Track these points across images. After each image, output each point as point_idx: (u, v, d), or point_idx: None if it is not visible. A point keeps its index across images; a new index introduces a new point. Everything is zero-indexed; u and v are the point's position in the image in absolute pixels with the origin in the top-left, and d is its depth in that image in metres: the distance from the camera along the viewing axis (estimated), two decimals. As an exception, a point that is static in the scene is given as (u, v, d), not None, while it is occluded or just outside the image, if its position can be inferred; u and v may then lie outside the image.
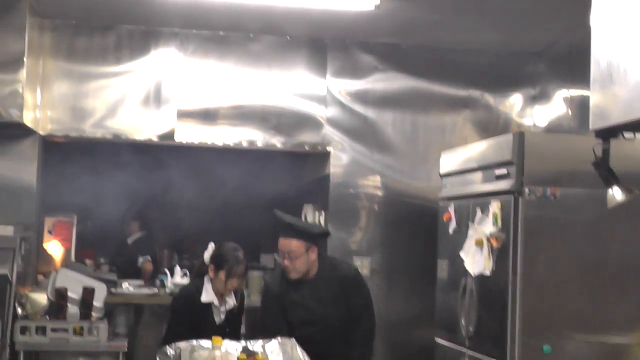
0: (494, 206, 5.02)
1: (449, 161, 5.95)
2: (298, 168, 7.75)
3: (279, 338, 4.47)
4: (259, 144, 6.57)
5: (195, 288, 5.09)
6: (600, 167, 4.12)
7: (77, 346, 5.75)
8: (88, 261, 7.64)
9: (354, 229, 6.64)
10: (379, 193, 6.68)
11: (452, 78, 6.86)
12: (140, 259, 7.94)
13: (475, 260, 5.20)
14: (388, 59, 6.77)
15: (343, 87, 6.71)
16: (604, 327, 4.86)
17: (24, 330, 5.67)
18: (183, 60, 6.49)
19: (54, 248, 7.58)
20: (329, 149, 6.64)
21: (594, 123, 3.96)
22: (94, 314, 5.81)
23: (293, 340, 4.49)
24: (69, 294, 5.76)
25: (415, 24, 6.22)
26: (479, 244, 5.14)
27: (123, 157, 7.14)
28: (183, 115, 6.46)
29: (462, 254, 5.36)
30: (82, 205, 7.77)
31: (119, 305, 6.33)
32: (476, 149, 5.56)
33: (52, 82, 6.30)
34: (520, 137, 4.93)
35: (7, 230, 5.70)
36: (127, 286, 6.56)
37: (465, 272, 5.32)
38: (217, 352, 3.37)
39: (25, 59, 5.72)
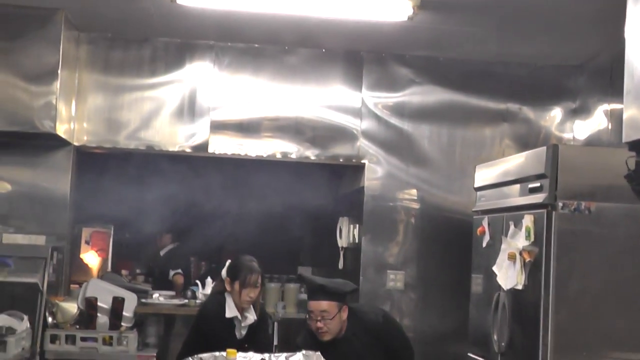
0: (527, 220, 4.91)
1: (484, 174, 5.86)
2: (335, 181, 7.70)
3: (303, 351, 4.41)
4: (293, 156, 6.54)
5: (218, 303, 5.07)
6: (633, 180, 4.02)
7: (106, 356, 5.76)
8: (124, 272, 7.68)
9: (388, 242, 6.56)
10: (415, 206, 6.60)
11: (490, 91, 6.77)
12: (172, 272, 7.95)
13: (508, 275, 5.10)
14: (424, 71, 6.70)
15: (379, 99, 6.66)
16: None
17: (54, 339, 5.70)
18: (218, 72, 6.49)
19: (91, 258, 7.65)
20: (363, 161, 6.59)
21: (627, 135, 3.87)
22: (124, 324, 5.82)
23: (318, 353, 4.42)
24: (99, 303, 5.78)
25: (452, 37, 6.15)
26: (512, 258, 5.04)
27: (158, 168, 7.14)
28: (217, 127, 6.46)
29: (495, 268, 5.26)
30: (119, 217, 7.81)
31: (149, 316, 6.33)
32: (510, 162, 5.46)
33: (87, 94, 6.34)
34: (555, 149, 4.83)
35: (40, 240, 5.73)
36: (157, 296, 6.55)
37: (498, 286, 5.22)
38: (232, 363, 3.31)
39: (59, 72, 5.76)
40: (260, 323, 5.25)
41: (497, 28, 5.90)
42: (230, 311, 5.05)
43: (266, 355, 4.33)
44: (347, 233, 6.97)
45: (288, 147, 6.54)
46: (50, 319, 5.76)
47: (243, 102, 6.51)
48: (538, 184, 4.92)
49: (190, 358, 4.24)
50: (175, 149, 6.43)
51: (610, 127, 6.63)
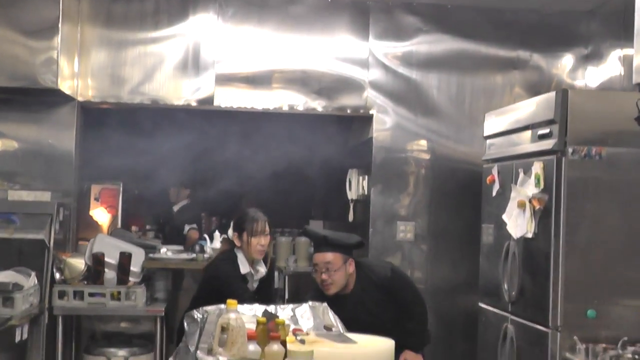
0: (537, 167, 4.83)
1: (493, 122, 5.77)
2: (343, 133, 7.62)
3: (309, 302, 4.36)
4: (300, 108, 6.45)
5: (230, 261, 5.02)
6: (643, 122, 3.94)
7: (115, 311, 5.77)
8: (134, 227, 7.66)
9: (398, 193, 6.49)
10: (424, 157, 6.52)
11: (499, 38, 6.63)
12: (187, 227, 7.91)
13: (518, 223, 5.03)
14: (433, 20, 6.57)
15: (386, 49, 6.54)
16: (651, 291, 4.67)
17: (61, 295, 5.69)
18: (222, 24, 6.39)
19: (100, 215, 7.62)
20: (371, 112, 6.50)
21: (638, 77, 3.78)
22: (132, 279, 5.80)
23: (325, 304, 4.37)
24: (107, 259, 5.76)
25: (460, -18, 6.02)
26: (521, 206, 4.97)
27: (165, 123, 7.08)
28: (222, 79, 6.37)
29: (505, 217, 5.19)
30: (127, 173, 7.77)
31: (158, 271, 6.31)
32: (520, 109, 5.36)
33: (90, 49, 6.25)
34: (564, 94, 4.74)
35: (45, 196, 5.71)
36: (165, 251, 6.51)
37: (509, 235, 5.16)
38: (232, 315, 3.25)
39: (60, 26, 5.65)
40: (268, 275, 5.21)
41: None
42: (244, 267, 5.02)
43: (272, 306, 4.28)
44: (356, 185, 6.90)
45: (295, 99, 6.45)
46: (57, 275, 5.74)
47: (248, 54, 6.41)
48: (547, 130, 4.83)
49: (195, 311, 4.19)
50: (181, 102, 6.35)
51: (623, 73, 6.51)
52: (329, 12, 6.50)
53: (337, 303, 4.60)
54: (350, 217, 7.11)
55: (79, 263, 5.78)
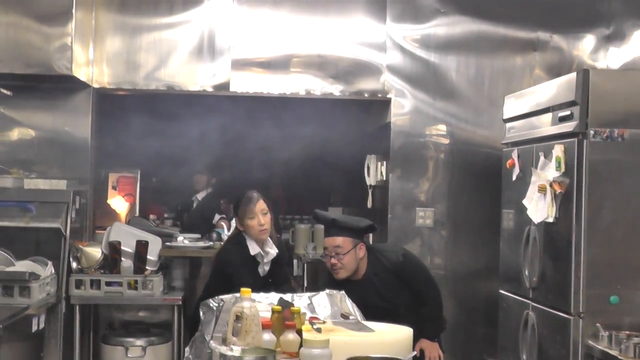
0: (558, 150, 4.74)
1: (513, 105, 5.66)
2: (362, 117, 7.54)
3: (327, 290, 4.30)
4: (317, 92, 6.38)
5: (239, 244, 4.98)
6: (667, 102, 3.85)
7: (132, 300, 5.76)
8: (152, 216, 7.62)
9: (417, 178, 6.41)
10: (443, 141, 6.43)
11: (519, 19, 6.51)
12: (217, 217, 7.83)
13: (539, 208, 4.94)
14: (451, 1, 6.46)
15: (404, 32, 6.44)
16: (676, 276, 4.57)
17: (78, 284, 5.68)
18: (237, 8, 6.32)
19: (118, 204, 7.60)
20: (389, 96, 6.41)
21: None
22: (149, 268, 5.77)
23: (342, 292, 4.30)
24: (123, 247, 5.73)
25: (478, -37, 5.91)
26: (542, 190, 4.88)
27: (181, 109, 7.03)
28: (238, 64, 6.30)
29: (525, 202, 5.10)
30: (145, 161, 7.74)
31: (175, 259, 6.27)
32: (540, 91, 5.26)
33: (104, 35, 6.21)
34: (585, 75, 4.64)
35: (61, 185, 5.67)
36: (182, 239, 6.47)
37: (529, 220, 5.07)
38: (246, 304, 3.18)
39: (74, 12, 5.61)
40: (278, 257, 5.16)
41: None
42: (253, 249, 4.97)
43: (289, 295, 4.23)
44: (374, 171, 6.82)
45: (311, 83, 6.37)
46: (74, 264, 5.72)
47: (264, 38, 6.34)
48: (568, 112, 4.72)
49: (211, 300, 4.14)
50: (196, 88, 6.29)
51: (646, 53, 6.41)
52: (346, -6, 6.42)
53: (349, 288, 4.54)
54: (369, 204, 7.03)
55: (95, 252, 5.75)
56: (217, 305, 4.12)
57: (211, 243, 6.62)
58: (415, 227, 6.37)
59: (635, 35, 6.43)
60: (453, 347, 5.97)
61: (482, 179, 6.33)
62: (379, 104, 6.69)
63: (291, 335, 3.17)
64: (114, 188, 7.73)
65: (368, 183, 6.97)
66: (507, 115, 5.75)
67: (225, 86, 6.31)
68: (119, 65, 6.24)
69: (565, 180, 4.66)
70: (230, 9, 6.31)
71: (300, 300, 4.18)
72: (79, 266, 5.72)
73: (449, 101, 6.45)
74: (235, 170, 8.56)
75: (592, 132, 4.57)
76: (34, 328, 5.06)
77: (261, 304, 4.01)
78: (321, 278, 5.19)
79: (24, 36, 5.58)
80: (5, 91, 5.83)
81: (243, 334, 3.18)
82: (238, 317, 3.20)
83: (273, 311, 3.35)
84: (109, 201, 7.62)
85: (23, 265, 5.21)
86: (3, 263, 5.16)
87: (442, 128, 6.45)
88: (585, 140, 4.57)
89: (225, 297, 4.15)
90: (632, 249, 4.56)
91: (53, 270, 5.42)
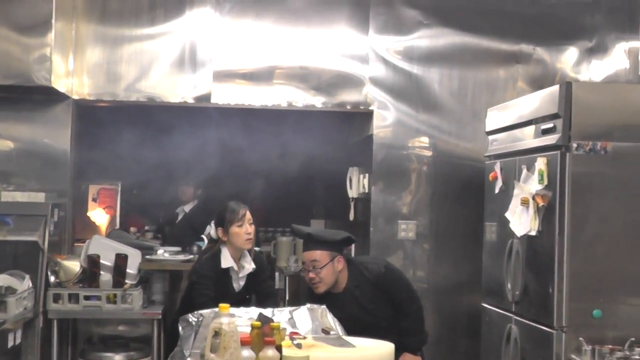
0: (540, 163, 4.71)
1: (495, 117, 5.65)
2: (345, 130, 7.51)
3: (308, 304, 4.26)
4: (299, 104, 6.33)
5: (212, 256, 4.96)
6: (650, 115, 3.83)
7: (110, 314, 5.67)
8: (132, 229, 7.55)
9: (399, 191, 6.37)
10: (426, 153, 6.39)
11: (502, 32, 6.49)
12: (209, 228, 7.73)
13: (521, 221, 4.92)
14: (434, 13, 6.44)
15: (386, 44, 6.41)
16: (660, 289, 4.55)
17: (56, 298, 5.59)
18: (219, 19, 6.27)
19: (98, 216, 7.54)
20: (371, 108, 6.38)
21: (644, 68, 3.67)
22: (128, 281, 5.70)
23: (324, 307, 4.27)
24: (102, 261, 5.66)
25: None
26: (525, 203, 4.85)
27: (162, 121, 6.97)
28: (220, 76, 6.25)
29: (508, 215, 5.07)
30: (126, 173, 7.67)
31: (155, 272, 6.20)
32: (523, 104, 5.24)
33: (85, 46, 6.15)
34: (568, 87, 4.62)
35: (39, 197, 5.59)
36: (162, 252, 6.41)
37: (512, 233, 5.04)
38: (225, 319, 3.14)
39: (53, 22, 5.54)
40: (259, 272, 5.13)
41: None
42: (226, 261, 4.95)
43: (269, 309, 4.18)
44: (357, 183, 6.78)
45: (294, 95, 6.33)
46: (52, 278, 5.64)
47: (246, 49, 6.29)
48: (551, 125, 4.70)
49: (190, 314, 4.09)
50: (177, 100, 6.24)
51: (628, 66, 6.44)
52: (328, 6, 6.38)
53: (330, 301, 4.53)
54: (351, 216, 6.99)
55: (74, 265, 5.68)
56: (196, 320, 4.07)
57: (192, 256, 6.55)
58: (397, 240, 6.33)
59: (618, 48, 6.46)
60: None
61: (464, 191, 6.30)
62: (362, 116, 6.66)
63: (270, 352, 3.14)
64: (94, 200, 7.67)
65: (350, 195, 6.93)
66: (489, 127, 5.72)
67: (206, 98, 6.25)
68: (100, 76, 6.18)
69: (548, 193, 4.64)
70: (212, 20, 6.27)
71: (281, 315, 4.15)
72: (57, 280, 5.65)
73: (431, 113, 6.42)
74: (217, 182, 8.50)
75: (574, 145, 4.54)
76: (10, 343, 4.97)
77: (241, 318, 3.97)
78: (303, 291, 5.14)
79: (3, 47, 5.51)
80: (-17, 102, 5.76)
81: (221, 350, 3.14)
82: (216, 333, 3.16)
83: (252, 327, 3.30)
84: (89, 214, 7.54)
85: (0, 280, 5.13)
86: (-21, 277, 5.09)
87: (425, 140, 6.41)
88: (568, 153, 4.55)
89: (204, 311, 4.10)
90: (615, 262, 4.54)
91: (30, 284, 5.32)
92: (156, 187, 7.97)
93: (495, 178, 5.39)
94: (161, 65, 6.22)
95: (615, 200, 4.56)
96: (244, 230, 4.94)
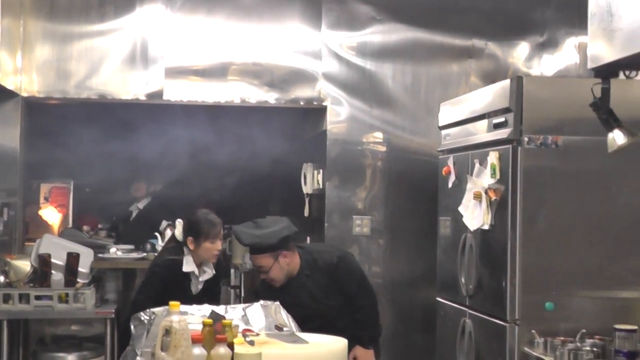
0: (492, 157, 4.73)
1: (448, 112, 5.66)
2: (299, 126, 7.49)
3: (261, 301, 4.23)
4: (252, 100, 6.31)
5: (174, 259, 4.91)
6: (599, 108, 3.87)
7: (62, 314, 5.61)
8: (85, 227, 7.46)
9: (354, 186, 6.37)
10: (380, 149, 6.40)
11: (454, 27, 6.52)
12: (165, 223, 7.67)
13: (474, 215, 4.94)
14: (386, 9, 6.45)
15: (339, 40, 6.41)
16: (610, 282, 4.59)
17: (6, 298, 5.51)
18: (170, 16, 6.23)
19: (50, 215, 7.43)
20: (325, 104, 6.37)
21: (593, 61, 3.71)
22: (80, 280, 5.63)
23: (277, 303, 4.24)
24: (53, 260, 5.58)
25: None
26: (478, 197, 4.87)
27: (115, 118, 6.90)
28: (172, 73, 6.21)
29: (461, 209, 5.09)
30: (78, 171, 7.58)
31: (108, 271, 6.14)
32: (474, 98, 5.26)
33: (33, 43, 6.07)
34: (519, 82, 4.63)
35: (-13, 197, 5.51)
36: (115, 251, 6.34)
37: (465, 228, 5.06)
38: (175, 317, 3.11)
39: (0, 19, 5.45)
40: (216, 277, 5.11)
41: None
42: (188, 266, 4.91)
43: (222, 306, 4.15)
44: (311, 179, 6.77)
45: (247, 91, 6.31)
46: (2, 278, 5.56)
47: (198, 46, 6.26)
48: (503, 119, 4.72)
49: (142, 313, 4.03)
50: (129, 97, 6.18)
51: (578, 61, 6.50)
52: (280, 2, 6.38)
53: (282, 288, 4.52)
54: (306, 212, 6.98)
55: (24, 265, 5.60)
56: (148, 318, 4.01)
57: (145, 254, 6.50)
58: (352, 235, 6.33)
59: (568, 43, 6.52)
60: (391, 355, 5.96)
61: (419, 186, 6.32)
62: (315, 112, 6.65)
63: (222, 350, 3.11)
64: (46, 199, 7.55)
65: (305, 191, 6.92)
66: (442, 122, 5.74)
67: (158, 94, 6.20)
68: (49, 73, 6.10)
69: (500, 187, 4.66)
70: (164, 16, 6.22)
71: (234, 312, 4.11)
72: (7, 280, 5.56)
73: (385, 109, 6.43)
74: (171, 178, 8.44)
75: (526, 139, 4.57)
76: (-42, 345, 4.90)
77: (194, 316, 3.93)
78: (258, 287, 5.11)
79: (-53, 44, 5.43)
80: None
81: (172, 349, 3.10)
82: (167, 331, 3.13)
83: (204, 324, 3.27)
84: (40, 212, 7.43)
85: (-53, 280, 5.05)
86: None
87: (379, 136, 6.42)
88: (519, 147, 4.57)
89: (157, 310, 4.04)
90: (567, 255, 4.57)
91: (-21, 285, 5.26)
92: (109, 184, 7.89)
93: (449, 173, 5.41)
94: (112, 62, 6.16)
95: (567, 193, 4.59)
96: (216, 246, 4.92)
